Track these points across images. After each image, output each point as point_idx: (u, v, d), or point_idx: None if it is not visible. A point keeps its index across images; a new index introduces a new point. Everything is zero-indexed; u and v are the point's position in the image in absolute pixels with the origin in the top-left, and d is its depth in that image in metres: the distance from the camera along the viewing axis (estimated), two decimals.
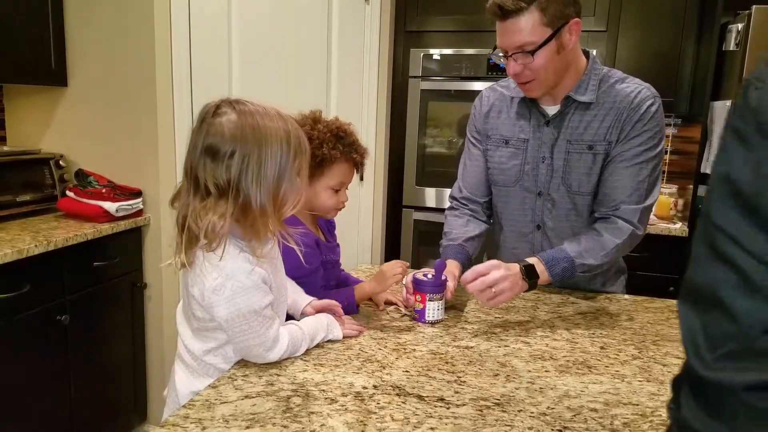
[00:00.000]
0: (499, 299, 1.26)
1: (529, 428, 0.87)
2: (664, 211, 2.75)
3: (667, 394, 0.97)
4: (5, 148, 2.30)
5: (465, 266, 1.50)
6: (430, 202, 3.08)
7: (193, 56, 2.28)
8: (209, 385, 0.98)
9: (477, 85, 2.86)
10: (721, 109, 2.48)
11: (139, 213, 2.26)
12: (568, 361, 1.12)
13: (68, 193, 2.21)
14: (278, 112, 1.01)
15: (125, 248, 2.23)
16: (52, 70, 2.25)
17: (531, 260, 1.33)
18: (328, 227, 1.40)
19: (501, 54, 1.34)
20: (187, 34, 2.26)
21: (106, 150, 2.32)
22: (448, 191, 1.68)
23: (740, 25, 2.37)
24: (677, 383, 0.48)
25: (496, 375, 1.05)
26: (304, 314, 1.20)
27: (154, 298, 2.35)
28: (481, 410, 0.92)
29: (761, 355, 0.41)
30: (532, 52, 1.27)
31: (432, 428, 0.86)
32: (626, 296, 1.54)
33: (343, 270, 1.46)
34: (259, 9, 2.45)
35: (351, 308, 1.31)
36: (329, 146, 1.22)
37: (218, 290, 0.96)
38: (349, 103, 2.78)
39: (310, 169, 1.23)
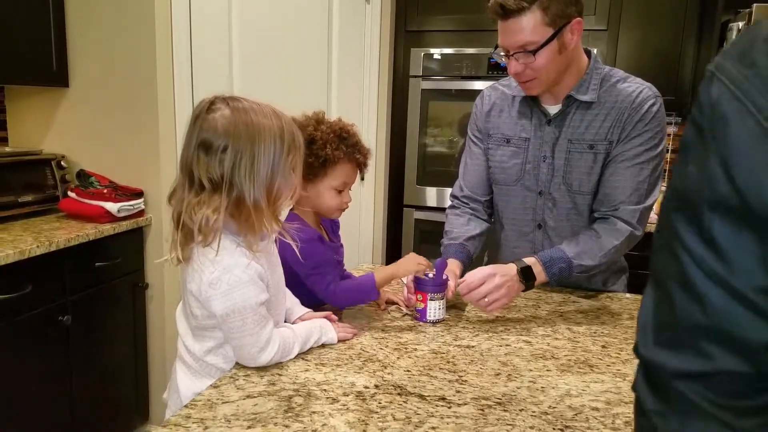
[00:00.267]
0: (495, 305, 1.28)
1: (531, 427, 0.87)
2: None
3: None
4: (7, 149, 2.30)
5: (466, 265, 1.50)
6: (431, 201, 3.08)
7: (194, 57, 2.28)
8: (211, 385, 0.98)
9: (477, 85, 2.86)
10: None
11: (140, 213, 2.27)
12: (569, 360, 1.12)
13: (70, 193, 2.21)
14: (273, 110, 1.02)
15: (127, 249, 2.24)
16: (54, 71, 2.25)
17: (528, 261, 1.34)
18: (332, 227, 1.41)
19: (502, 53, 1.34)
20: (188, 35, 2.26)
21: (108, 150, 2.32)
22: (448, 190, 1.68)
23: (741, 24, 2.37)
24: (636, 354, 0.50)
25: (498, 374, 1.05)
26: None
27: (155, 298, 2.36)
28: (482, 409, 0.92)
29: (687, 346, 0.43)
30: (534, 52, 1.27)
31: (433, 428, 0.86)
32: (628, 295, 1.54)
33: (345, 270, 1.46)
34: (260, 9, 2.45)
35: (371, 291, 1.28)
36: (332, 147, 1.22)
37: (214, 284, 0.96)
38: (350, 103, 2.79)
39: (314, 169, 1.23)
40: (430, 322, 1.30)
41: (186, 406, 0.91)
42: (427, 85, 2.99)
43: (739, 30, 2.37)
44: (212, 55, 2.33)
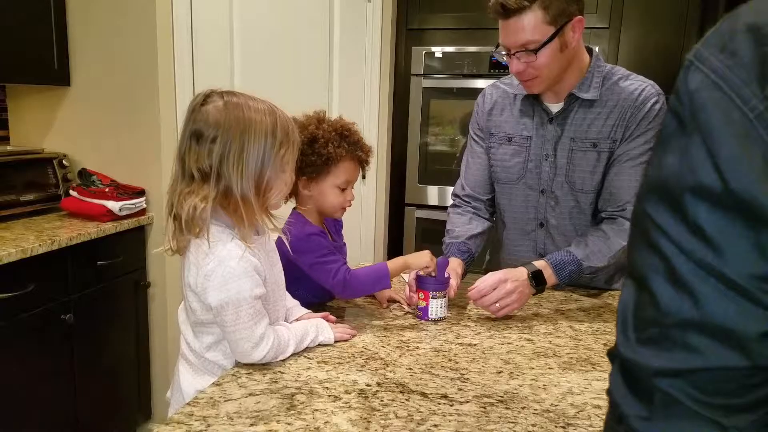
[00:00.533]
0: (505, 311, 1.29)
1: (533, 425, 0.87)
2: None
3: None
4: (9, 148, 2.31)
5: (468, 264, 1.50)
6: (433, 200, 3.08)
7: (195, 55, 2.29)
8: (213, 383, 0.98)
9: (479, 83, 2.86)
10: None
11: (142, 212, 2.27)
12: (571, 358, 1.12)
13: (72, 192, 2.21)
14: (270, 105, 1.03)
15: (129, 247, 2.24)
16: (55, 69, 2.25)
17: (539, 264, 1.34)
18: (336, 227, 1.41)
19: (504, 52, 1.34)
20: (189, 33, 2.26)
21: (110, 149, 2.32)
22: (450, 189, 1.68)
23: None
24: (611, 357, 0.48)
25: (500, 372, 1.05)
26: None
27: (157, 296, 2.36)
28: (484, 407, 0.92)
29: (674, 342, 0.41)
30: (536, 51, 1.27)
31: (436, 425, 0.87)
32: None
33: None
34: (261, 9, 2.45)
35: (384, 277, 1.27)
36: (334, 145, 1.23)
37: (210, 276, 0.97)
38: (351, 102, 2.78)
39: (317, 168, 1.24)
40: (431, 320, 1.30)
41: (188, 404, 0.91)
42: (428, 83, 2.99)
43: None
44: (213, 54, 2.34)
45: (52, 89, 2.34)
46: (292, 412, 0.89)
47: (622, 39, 2.75)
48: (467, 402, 0.94)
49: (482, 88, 1.60)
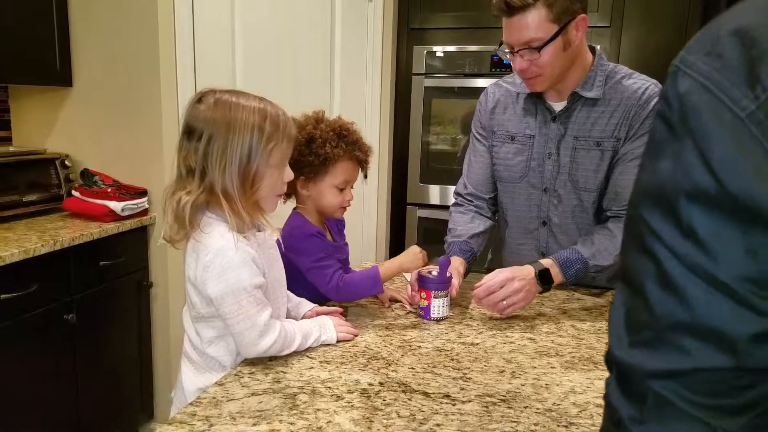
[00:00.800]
0: (510, 309, 1.29)
1: (535, 424, 0.87)
2: None
3: None
4: (11, 149, 2.31)
5: (470, 263, 1.50)
6: (434, 199, 3.07)
7: (197, 55, 2.29)
8: (216, 383, 0.98)
9: (481, 82, 2.86)
10: None
11: (144, 212, 2.27)
12: (573, 357, 1.12)
13: (74, 192, 2.22)
14: (264, 101, 1.03)
15: (131, 247, 2.24)
16: (57, 70, 2.25)
17: (546, 263, 1.33)
18: (338, 227, 1.41)
19: (507, 50, 1.34)
20: (190, 33, 2.26)
21: (112, 149, 2.32)
22: (452, 188, 1.68)
23: None
24: (608, 364, 0.48)
25: (502, 371, 1.05)
26: (304, 318, 1.22)
27: (160, 296, 2.36)
28: (486, 406, 0.92)
29: (667, 344, 0.42)
30: (539, 49, 1.27)
31: (438, 425, 0.86)
32: None
33: (351, 269, 1.46)
34: (262, 9, 2.45)
35: (375, 284, 1.28)
36: (332, 145, 1.23)
37: (208, 267, 0.99)
38: (353, 101, 2.78)
39: (315, 168, 1.24)
40: (433, 319, 1.30)
41: (191, 404, 0.91)
42: (429, 82, 2.98)
43: None
44: (215, 54, 2.34)
45: (54, 90, 2.35)
46: (295, 411, 0.89)
47: (623, 38, 2.74)
48: (469, 401, 0.94)
49: (484, 88, 1.60)
